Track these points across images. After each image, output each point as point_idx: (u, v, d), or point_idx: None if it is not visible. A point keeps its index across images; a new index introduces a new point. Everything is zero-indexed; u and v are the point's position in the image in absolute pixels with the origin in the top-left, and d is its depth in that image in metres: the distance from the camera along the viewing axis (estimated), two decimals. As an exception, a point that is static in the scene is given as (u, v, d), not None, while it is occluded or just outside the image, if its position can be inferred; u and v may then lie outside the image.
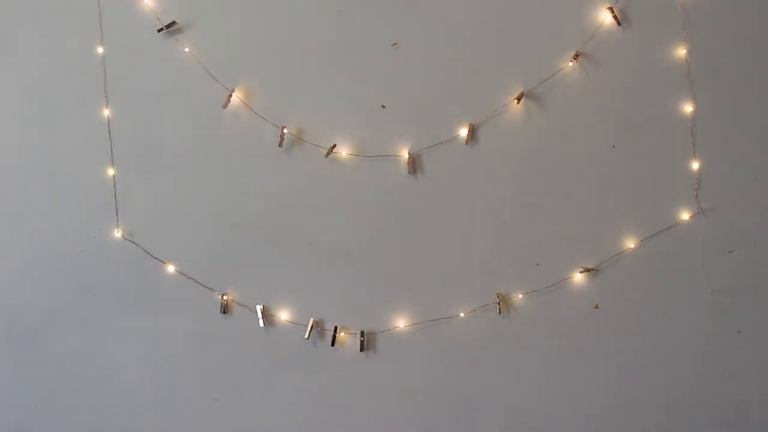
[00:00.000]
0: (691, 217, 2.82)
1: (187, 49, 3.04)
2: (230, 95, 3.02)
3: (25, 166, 3.16)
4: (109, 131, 3.11)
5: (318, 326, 3.02)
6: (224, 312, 3.07)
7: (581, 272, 2.88)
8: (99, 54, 3.09)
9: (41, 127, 3.15)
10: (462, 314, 2.94)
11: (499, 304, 2.91)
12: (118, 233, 3.11)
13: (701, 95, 2.80)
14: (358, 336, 3.00)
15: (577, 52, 2.84)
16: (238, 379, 3.08)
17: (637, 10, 2.82)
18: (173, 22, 3.04)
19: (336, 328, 3.01)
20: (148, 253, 3.10)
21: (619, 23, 2.82)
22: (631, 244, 2.86)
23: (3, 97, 3.16)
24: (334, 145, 2.97)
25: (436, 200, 2.95)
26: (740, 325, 2.84)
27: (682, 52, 2.80)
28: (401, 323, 2.98)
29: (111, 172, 3.11)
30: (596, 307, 2.89)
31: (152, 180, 3.10)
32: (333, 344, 3.01)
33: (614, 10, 2.81)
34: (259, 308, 3.04)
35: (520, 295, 2.92)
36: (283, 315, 3.04)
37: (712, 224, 2.82)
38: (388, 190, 2.97)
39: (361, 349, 3.00)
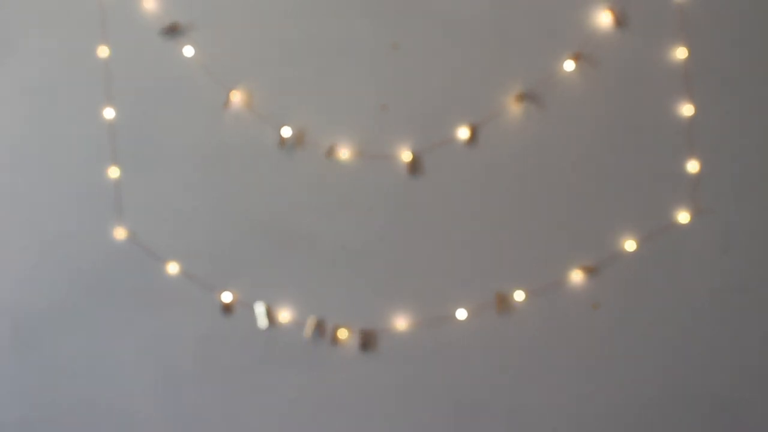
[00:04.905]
0: (690, 217, 2.82)
1: (189, 50, 3.05)
2: (231, 96, 3.03)
3: (28, 166, 3.18)
4: (112, 132, 3.12)
5: (318, 325, 3.03)
6: (225, 311, 3.08)
7: (581, 272, 2.88)
8: (102, 55, 3.10)
9: (44, 128, 3.16)
10: (461, 313, 2.94)
11: (497, 303, 2.92)
12: (120, 233, 3.12)
13: (700, 96, 2.80)
14: (358, 335, 3.01)
15: (576, 52, 2.85)
16: (239, 378, 3.09)
17: (636, 11, 2.82)
18: (175, 24, 3.05)
19: (336, 328, 3.01)
20: (150, 252, 3.11)
21: (618, 24, 2.82)
22: (630, 244, 2.86)
23: (6, 98, 3.18)
24: (335, 145, 2.98)
25: (436, 200, 2.96)
26: (740, 325, 2.84)
27: (681, 53, 2.80)
28: (401, 322, 2.98)
29: (113, 172, 3.12)
30: (594, 306, 2.89)
31: (154, 180, 3.11)
32: (333, 343, 3.01)
33: (615, 11, 2.81)
34: (259, 308, 3.04)
35: (520, 295, 2.92)
36: (284, 314, 3.05)
37: (711, 224, 2.82)
38: (388, 190, 2.98)
39: (361, 348, 3.00)
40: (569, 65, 2.85)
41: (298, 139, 3.01)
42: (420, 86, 2.95)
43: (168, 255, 3.10)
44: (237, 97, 3.03)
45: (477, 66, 2.92)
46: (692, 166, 2.82)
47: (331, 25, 2.98)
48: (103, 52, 3.10)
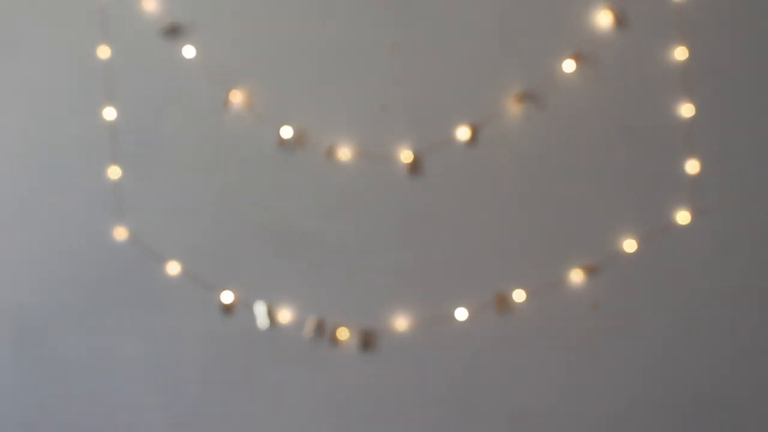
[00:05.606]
0: (690, 217, 2.82)
1: (189, 50, 3.05)
2: (231, 96, 3.03)
3: (29, 166, 3.18)
4: (112, 132, 3.13)
5: (318, 325, 3.03)
6: (225, 311, 3.08)
7: (581, 272, 2.88)
8: (102, 55, 3.10)
9: (45, 129, 3.16)
10: (461, 313, 2.94)
11: (497, 303, 2.92)
12: (120, 233, 3.13)
13: (700, 96, 2.80)
14: (358, 335, 3.01)
15: (576, 52, 2.85)
16: (239, 378, 3.09)
17: (636, 11, 2.82)
18: (175, 24, 3.05)
19: (336, 328, 3.01)
20: (151, 252, 3.11)
21: (618, 24, 2.82)
22: (630, 244, 2.86)
23: (6, 98, 3.18)
24: (335, 146, 2.98)
25: (436, 200, 2.96)
26: (740, 325, 2.84)
27: (681, 53, 2.80)
28: (401, 322, 2.98)
29: (113, 172, 3.13)
30: (594, 306, 2.89)
31: (155, 180, 3.11)
32: (333, 343, 3.02)
33: (615, 11, 2.81)
34: (259, 308, 3.05)
35: (520, 295, 2.92)
36: (284, 314, 3.05)
37: (711, 224, 2.82)
38: (388, 190, 2.98)
39: (361, 348, 3.01)
40: (569, 65, 2.85)
41: (298, 139, 3.01)
42: (420, 86, 2.95)
43: (168, 255, 3.11)
44: (237, 97, 3.03)
45: (477, 66, 2.92)
46: (692, 166, 2.82)
47: (331, 25, 2.98)
48: (103, 52, 3.10)
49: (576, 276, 2.89)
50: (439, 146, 2.95)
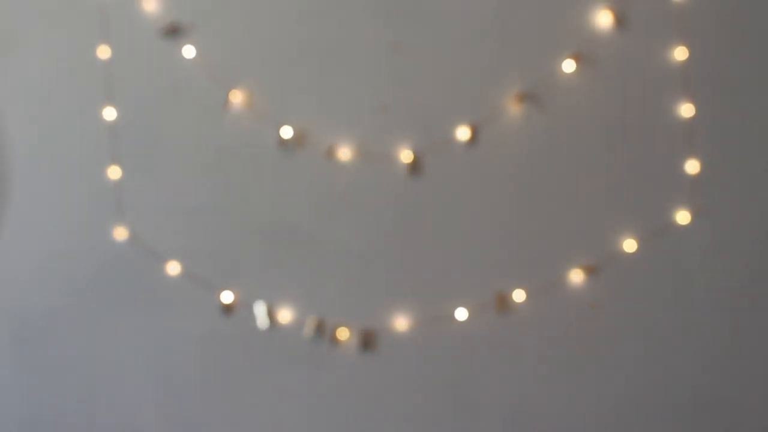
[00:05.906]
0: (690, 217, 2.82)
1: (189, 50, 3.05)
2: (231, 96, 3.03)
3: (29, 166, 3.18)
4: (112, 132, 3.13)
5: (318, 325, 3.03)
6: (226, 312, 3.08)
7: (581, 272, 2.88)
8: (102, 55, 3.10)
9: (45, 129, 3.16)
10: (461, 313, 2.95)
11: (497, 303, 2.92)
12: (121, 233, 3.13)
13: (700, 96, 2.80)
14: (358, 335, 3.01)
15: (576, 52, 2.85)
16: (239, 378, 3.09)
17: (636, 11, 2.82)
18: (175, 24, 3.05)
19: (336, 327, 3.01)
20: (151, 253, 3.11)
21: (618, 24, 2.82)
22: (630, 244, 2.86)
23: (6, 98, 3.18)
24: (335, 145, 2.99)
25: (436, 200, 2.96)
26: (740, 325, 2.84)
27: (681, 53, 2.80)
28: (401, 322, 2.99)
29: (114, 172, 3.13)
30: (594, 306, 2.89)
31: (155, 180, 3.11)
32: (333, 343, 3.02)
33: (615, 11, 2.82)
34: (259, 308, 3.05)
35: (520, 295, 2.92)
36: (284, 314, 3.05)
37: (711, 224, 2.82)
38: (388, 190, 2.98)
39: (361, 348, 3.01)
40: (569, 65, 2.85)
41: (298, 140, 3.01)
42: (420, 86, 2.95)
43: (168, 255, 3.11)
44: (237, 97, 3.04)
45: (477, 66, 2.92)
46: (692, 166, 2.82)
47: (331, 25, 2.99)
48: (103, 52, 3.10)
49: (576, 276, 2.89)
50: (439, 146, 2.95)
